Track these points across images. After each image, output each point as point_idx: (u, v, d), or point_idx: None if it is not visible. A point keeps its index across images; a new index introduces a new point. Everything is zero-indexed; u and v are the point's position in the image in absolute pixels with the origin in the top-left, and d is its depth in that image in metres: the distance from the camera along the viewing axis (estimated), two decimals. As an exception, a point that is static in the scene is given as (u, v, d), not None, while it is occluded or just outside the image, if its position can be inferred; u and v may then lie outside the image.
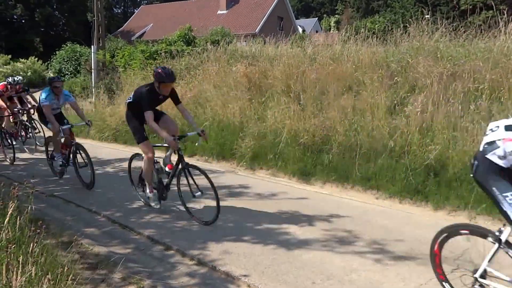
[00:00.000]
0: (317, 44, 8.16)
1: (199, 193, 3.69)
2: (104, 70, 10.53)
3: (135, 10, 35.40)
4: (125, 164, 4.81)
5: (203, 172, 3.69)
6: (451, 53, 5.52)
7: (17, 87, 7.40)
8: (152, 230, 3.68)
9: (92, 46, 10.76)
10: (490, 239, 2.14)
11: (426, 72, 5.29)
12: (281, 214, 4.00)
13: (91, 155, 4.90)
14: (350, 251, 3.17)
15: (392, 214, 4.02)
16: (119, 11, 41.02)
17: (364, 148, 4.86)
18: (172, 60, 9.44)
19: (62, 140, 5.09)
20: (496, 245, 2.10)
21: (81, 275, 2.69)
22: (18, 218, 2.42)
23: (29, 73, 20.21)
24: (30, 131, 7.53)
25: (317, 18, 40.95)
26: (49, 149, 5.40)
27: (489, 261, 2.16)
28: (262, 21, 24.35)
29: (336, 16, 41.64)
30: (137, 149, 4.69)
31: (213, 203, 3.71)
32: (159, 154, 4.54)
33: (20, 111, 7.34)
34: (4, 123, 6.84)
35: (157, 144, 4.40)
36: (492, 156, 2.02)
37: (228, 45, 9.22)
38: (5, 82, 7.28)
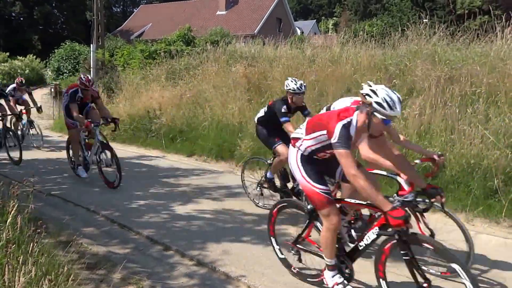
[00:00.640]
0: (316, 46, 8.22)
1: None
2: (103, 69, 10.50)
3: (134, 10, 35.40)
4: (124, 163, 4.78)
5: None
6: (448, 57, 5.59)
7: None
8: (151, 230, 3.67)
9: (91, 45, 10.72)
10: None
11: (424, 76, 5.35)
12: (280, 215, 4.00)
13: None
14: (349, 253, 3.18)
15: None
16: (118, 10, 40.93)
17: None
18: (171, 60, 9.45)
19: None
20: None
21: (80, 275, 2.68)
22: (19, 218, 2.40)
23: (27, 71, 20.15)
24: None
25: (315, 20, 41.11)
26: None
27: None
28: (261, 22, 24.42)
29: (334, 18, 41.83)
30: (136, 149, 4.65)
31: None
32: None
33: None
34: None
35: None
36: None
37: (228, 45, 9.25)
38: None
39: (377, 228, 2.33)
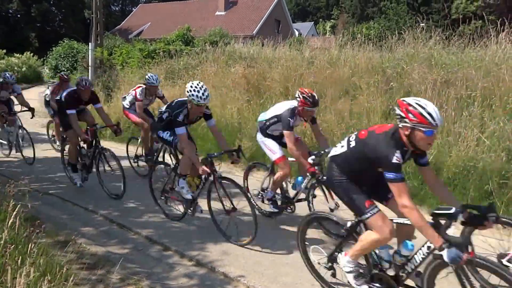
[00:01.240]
0: (314, 48, 8.27)
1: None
2: (101, 67, 10.46)
3: (133, 9, 35.28)
4: (123, 163, 4.70)
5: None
6: (444, 61, 5.66)
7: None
8: (150, 230, 3.67)
9: (89, 43, 10.67)
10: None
11: (420, 79, 5.41)
12: (279, 216, 4.03)
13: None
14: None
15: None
16: (117, 9, 40.78)
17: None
18: (170, 60, 9.45)
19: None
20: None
21: (79, 276, 2.68)
22: (17, 218, 2.39)
23: (24, 69, 19.99)
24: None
25: (313, 22, 41.30)
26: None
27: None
28: (259, 23, 24.47)
29: (332, 20, 42.04)
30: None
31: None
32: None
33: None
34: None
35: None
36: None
37: (226, 46, 9.27)
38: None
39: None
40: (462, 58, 5.64)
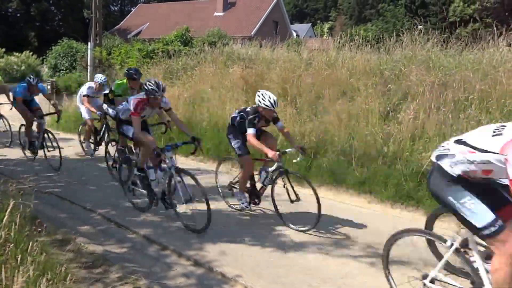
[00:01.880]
0: (312, 49, 8.30)
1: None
2: (100, 67, 10.48)
3: (132, 9, 35.40)
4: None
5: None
6: (442, 63, 5.70)
7: None
8: (148, 229, 3.67)
9: (88, 43, 10.67)
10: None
11: (418, 81, 5.45)
12: (277, 216, 4.04)
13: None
14: (345, 255, 3.22)
15: (384, 218, 4.11)
16: (116, 9, 40.90)
17: (358, 153, 4.96)
18: (169, 60, 9.45)
19: None
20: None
21: (77, 274, 2.67)
22: (18, 216, 2.39)
23: (23, 67, 20.01)
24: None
25: (310, 24, 41.48)
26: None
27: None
28: (258, 25, 24.53)
29: (330, 22, 42.22)
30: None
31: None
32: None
33: None
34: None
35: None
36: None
37: (225, 47, 9.28)
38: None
39: None
40: (460, 61, 5.69)
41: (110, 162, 5.27)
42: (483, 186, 2.00)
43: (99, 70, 10.22)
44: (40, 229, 2.46)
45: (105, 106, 5.75)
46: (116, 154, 5.10)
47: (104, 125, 6.25)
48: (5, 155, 6.47)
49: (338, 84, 6.32)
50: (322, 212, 4.09)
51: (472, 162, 1.92)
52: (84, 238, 3.44)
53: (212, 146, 6.34)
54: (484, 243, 2.05)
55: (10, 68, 16.85)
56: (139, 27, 27.51)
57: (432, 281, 2.20)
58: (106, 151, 5.44)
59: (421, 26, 6.83)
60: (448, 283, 2.17)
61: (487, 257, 2.06)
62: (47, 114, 6.27)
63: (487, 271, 1.97)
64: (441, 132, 4.70)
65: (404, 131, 4.91)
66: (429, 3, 28.44)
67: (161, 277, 2.87)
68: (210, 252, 3.24)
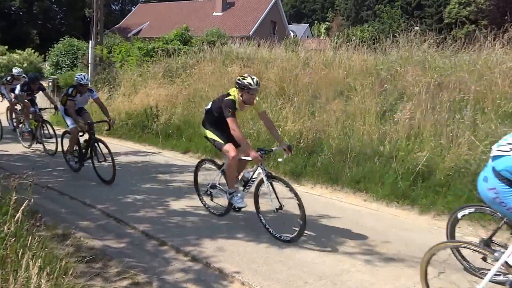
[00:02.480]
0: (310, 49, 8.36)
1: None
2: (101, 65, 10.52)
3: (133, 8, 35.57)
4: (120, 158, 4.75)
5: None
6: (438, 64, 5.78)
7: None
8: (147, 225, 3.69)
9: (90, 41, 10.70)
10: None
11: (414, 81, 5.52)
12: (273, 213, 4.08)
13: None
14: (341, 252, 3.27)
15: (379, 216, 4.16)
16: (117, 8, 41.08)
17: (355, 152, 5.01)
18: (168, 58, 9.48)
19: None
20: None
21: (76, 269, 2.69)
22: (20, 211, 2.40)
23: (25, 64, 20.12)
24: None
25: (308, 24, 41.60)
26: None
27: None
28: (256, 25, 24.63)
29: (327, 23, 42.32)
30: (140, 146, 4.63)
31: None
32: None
33: None
34: None
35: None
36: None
37: (224, 46, 9.33)
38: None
39: None
40: (456, 62, 5.76)
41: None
42: None
43: (100, 68, 10.30)
44: (39, 224, 2.48)
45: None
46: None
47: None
48: (7, 151, 6.47)
49: (335, 84, 6.38)
50: (319, 210, 4.16)
51: None
52: (83, 233, 3.46)
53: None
54: None
55: (12, 65, 16.94)
56: (139, 26, 27.56)
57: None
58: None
59: (418, 27, 6.90)
60: None
61: None
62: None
63: None
64: (437, 132, 4.76)
65: (400, 130, 4.97)
66: (425, 5, 28.64)
67: (159, 272, 2.90)
68: (207, 248, 3.27)
